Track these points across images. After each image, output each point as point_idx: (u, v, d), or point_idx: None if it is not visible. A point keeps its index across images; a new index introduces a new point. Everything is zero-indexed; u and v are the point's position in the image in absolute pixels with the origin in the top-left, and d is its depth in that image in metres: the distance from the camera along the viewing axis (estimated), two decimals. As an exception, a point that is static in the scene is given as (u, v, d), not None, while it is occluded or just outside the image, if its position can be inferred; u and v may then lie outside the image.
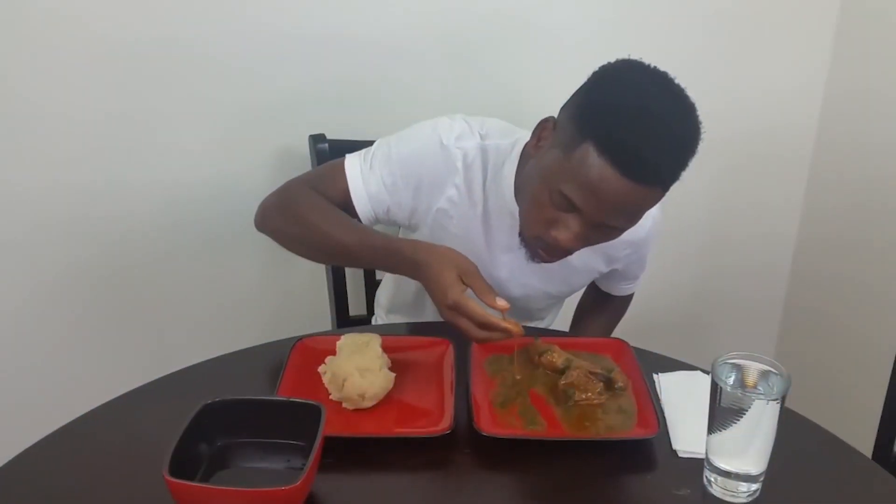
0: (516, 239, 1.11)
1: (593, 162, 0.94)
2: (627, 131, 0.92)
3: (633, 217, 1.00)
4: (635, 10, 1.68)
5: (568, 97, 1.03)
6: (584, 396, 1.00)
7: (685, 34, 1.74)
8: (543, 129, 1.05)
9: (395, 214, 1.17)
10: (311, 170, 1.20)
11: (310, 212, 1.10)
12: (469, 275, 0.99)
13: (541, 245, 1.05)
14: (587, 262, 1.22)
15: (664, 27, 1.71)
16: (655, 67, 0.98)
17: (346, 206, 1.14)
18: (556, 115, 1.04)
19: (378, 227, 1.16)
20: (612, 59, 1.00)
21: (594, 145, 0.93)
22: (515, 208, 1.11)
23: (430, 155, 1.14)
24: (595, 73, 1.00)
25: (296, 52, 1.49)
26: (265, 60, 1.48)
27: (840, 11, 1.80)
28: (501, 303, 0.97)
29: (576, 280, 1.28)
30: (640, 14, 1.68)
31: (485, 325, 0.95)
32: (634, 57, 1.01)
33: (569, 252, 1.05)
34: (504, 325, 0.95)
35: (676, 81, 0.97)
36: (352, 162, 1.16)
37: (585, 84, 1.01)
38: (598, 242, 1.06)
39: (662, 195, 0.98)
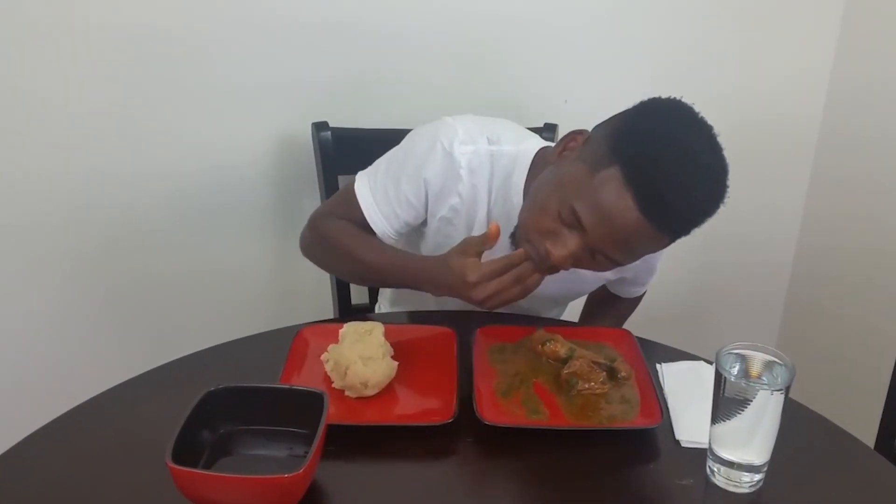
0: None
1: (616, 187, 0.92)
2: (660, 170, 0.90)
3: (633, 255, 0.99)
4: (640, 2, 1.67)
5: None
6: (587, 386, 1.00)
7: (689, 28, 1.73)
8: (573, 139, 1.03)
9: (413, 225, 1.18)
10: (330, 198, 1.24)
11: (341, 242, 1.14)
12: (467, 246, 1.00)
13: (533, 253, 1.01)
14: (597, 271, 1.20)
15: (668, 20, 1.71)
16: (703, 118, 0.95)
17: (368, 227, 1.16)
18: (588, 130, 1.03)
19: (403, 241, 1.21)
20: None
21: (622, 171, 0.91)
22: None
23: (433, 166, 1.12)
24: (643, 103, 0.97)
25: (299, 40, 1.49)
26: (268, 48, 1.48)
27: (845, 5, 1.79)
28: (491, 226, 0.99)
29: (583, 288, 1.27)
30: (644, 6, 1.67)
31: (510, 271, 0.97)
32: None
33: (556, 270, 1.01)
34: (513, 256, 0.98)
35: (718, 138, 0.95)
36: (362, 184, 1.16)
37: (630, 109, 0.98)
38: (587, 269, 1.03)
39: (667, 245, 0.97)
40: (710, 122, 0.95)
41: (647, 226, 0.92)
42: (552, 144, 1.12)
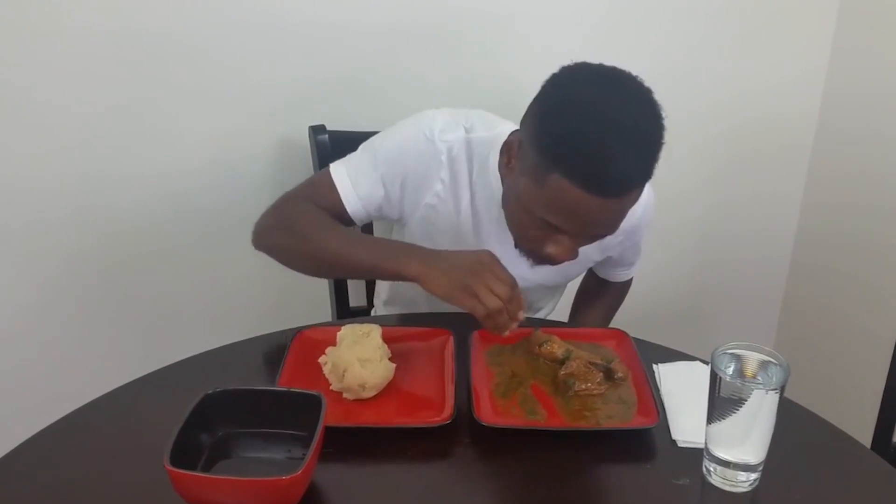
0: (506, 231, 1.11)
1: (565, 190, 0.95)
2: (590, 155, 0.93)
3: (618, 222, 1.02)
4: (637, 3, 1.67)
5: None
6: (584, 386, 1.00)
7: (684, 27, 1.73)
8: (510, 148, 1.06)
9: (387, 211, 1.18)
10: (299, 184, 1.21)
11: (308, 224, 1.11)
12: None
13: (539, 256, 1.07)
14: (582, 252, 1.22)
15: (663, 19, 1.71)
16: (601, 66, 0.98)
17: (339, 214, 1.15)
18: (519, 135, 1.05)
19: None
20: (557, 68, 1.00)
21: (563, 175, 0.94)
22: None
23: (414, 150, 1.14)
24: (544, 90, 1.00)
25: (296, 42, 1.49)
26: (265, 51, 1.48)
27: (840, 4, 1.79)
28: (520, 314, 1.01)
29: (570, 270, 1.29)
30: (641, 7, 1.68)
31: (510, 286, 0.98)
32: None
33: (569, 260, 1.06)
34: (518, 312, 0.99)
35: (626, 73, 0.97)
36: (337, 168, 1.17)
37: (537, 101, 1.01)
38: (592, 243, 1.09)
39: (640, 194, 0.99)
40: (646, 85, 0.97)
41: (609, 201, 0.96)
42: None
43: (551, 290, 1.34)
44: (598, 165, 0.93)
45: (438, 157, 1.14)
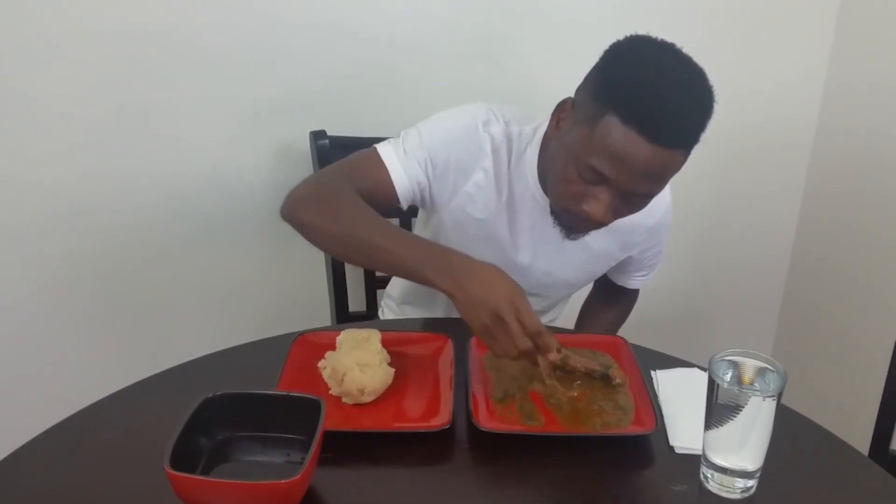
0: (539, 224, 1.14)
1: (618, 132, 0.97)
2: (648, 98, 0.96)
3: (661, 181, 1.03)
4: (636, 4, 1.68)
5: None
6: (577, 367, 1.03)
7: (686, 28, 1.71)
8: (562, 110, 1.08)
9: (428, 195, 1.18)
10: (343, 160, 1.17)
11: (348, 208, 1.06)
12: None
13: (573, 219, 1.08)
14: (605, 246, 1.24)
15: (665, 21, 1.70)
16: (663, 40, 1.02)
17: (384, 193, 1.14)
18: (572, 97, 1.07)
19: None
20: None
21: (617, 116, 0.97)
22: (538, 193, 1.15)
23: (461, 138, 1.16)
24: (607, 51, 1.03)
25: (297, 47, 1.50)
26: (266, 56, 1.48)
27: (840, 5, 1.80)
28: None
29: (594, 267, 1.30)
30: (641, 8, 1.68)
31: (530, 335, 0.94)
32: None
33: (601, 224, 1.07)
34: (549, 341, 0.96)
35: (685, 51, 1.01)
36: (385, 149, 1.16)
37: (599, 62, 1.04)
38: (627, 214, 1.08)
39: (686, 158, 1.01)
40: (671, 42, 1.01)
41: (659, 150, 0.97)
42: None
43: (572, 287, 1.34)
44: (654, 109, 0.96)
45: (483, 147, 1.15)
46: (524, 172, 1.16)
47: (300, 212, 1.08)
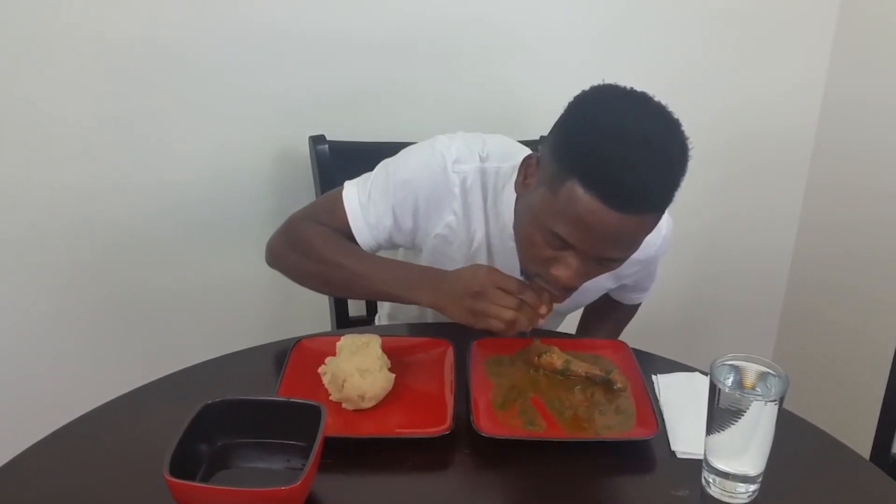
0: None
1: (580, 199, 0.91)
2: (609, 163, 0.90)
3: (632, 246, 0.98)
4: (634, 15, 1.68)
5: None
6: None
7: (683, 40, 1.74)
8: (528, 166, 1.03)
9: (397, 239, 1.17)
10: (311, 203, 1.21)
11: (322, 246, 1.11)
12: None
13: (544, 282, 1.02)
14: (596, 281, 1.16)
15: (662, 33, 1.72)
16: (632, 89, 0.96)
17: (349, 237, 1.14)
18: (537, 153, 1.03)
19: (380, 253, 1.17)
20: (587, 87, 0.97)
21: (578, 181, 0.91)
22: None
23: (427, 180, 1.12)
24: (570, 105, 0.97)
25: (297, 53, 1.50)
26: (266, 62, 1.49)
27: (839, 16, 1.80)
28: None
29: (584, 298, 1.27)
30: (638, 19, 1.69)
31: (517, 293, 0.97)
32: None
33: (573, 289, 1.02)
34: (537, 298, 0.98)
35: (656, 100, 0.95)
36: (350, 192, 1.15)
37: (562, 116, 0.98)
38: (600, 274, 1.03)
39: (657, 220, 0.96)
40: (674, 115, 0.95)
41: (626, 217, 0.91)
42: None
43: (561, 315, 1.33)
44: (618, 176, 0.89)
45: (451, 189, 1.12)
46: (501, 211, 1.12)
47: (280, 260, 1.17)
